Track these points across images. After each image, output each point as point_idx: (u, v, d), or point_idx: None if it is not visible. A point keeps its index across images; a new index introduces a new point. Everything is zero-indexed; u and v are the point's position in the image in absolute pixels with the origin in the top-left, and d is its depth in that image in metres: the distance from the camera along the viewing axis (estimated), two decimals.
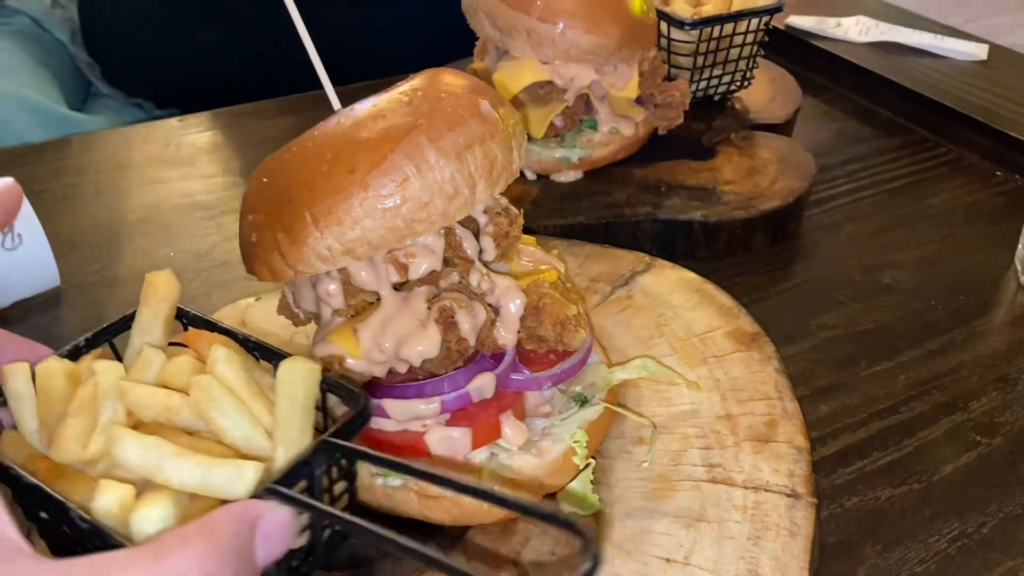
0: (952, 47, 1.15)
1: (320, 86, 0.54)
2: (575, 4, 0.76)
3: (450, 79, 0.50)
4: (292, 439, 0.42)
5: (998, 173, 0.96)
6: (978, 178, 0.95)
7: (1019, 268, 0.79)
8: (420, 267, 0.49)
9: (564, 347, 0.52)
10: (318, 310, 0.53)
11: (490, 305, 0.52)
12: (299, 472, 0.41)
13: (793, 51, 1.17)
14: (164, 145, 1.03)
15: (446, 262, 0.51)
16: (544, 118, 0.82)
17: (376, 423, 0.51)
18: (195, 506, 0.39)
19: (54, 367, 0.45)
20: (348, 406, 0.45)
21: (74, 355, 0.49)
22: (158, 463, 0.40)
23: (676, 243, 0.82)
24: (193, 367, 0.45)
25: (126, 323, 0.50)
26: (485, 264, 0.53)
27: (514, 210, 0.54)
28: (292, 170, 0.48)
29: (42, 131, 1.10)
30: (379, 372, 0.50)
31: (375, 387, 0.52)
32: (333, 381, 0.45)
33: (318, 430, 0.44)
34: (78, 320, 0.76)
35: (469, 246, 0.51)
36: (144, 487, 0.40)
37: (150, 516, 0.38)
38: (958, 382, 0.68)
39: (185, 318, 0.52)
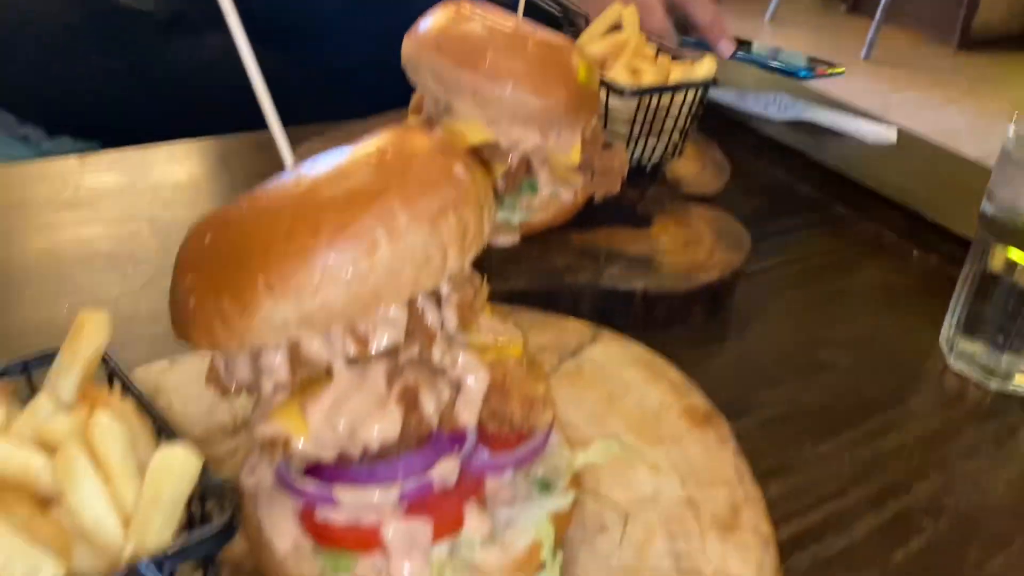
0: (864, 128, 1.19)
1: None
2: (524, 65, 0.74)
3: (420, 138, 0.47)
4: (147, 536, 0.37)
5: (915, 252, 0.99)
6: (898, 256, 0.98)
7: (944, 350, 0.81)
8: (381, 340, 0.45)
9: (530, 428, 0.49)
10: (255, 382, 0.48)
11: (450, 381, 0.48)
12: None
13: (714, 122, 1.19)
14: (62, 186, 0.94)
15: (406, 334, 0.47)
16: None
17: (322, 513, 0.46)
18: None
19: None
20: (215, 516, 0.39)
21: None
22: None
23: (615, 312, 0.80)
24: (77, 428, 0.39)
25: (47, 360, 0.44)
26: (446, 337, 0.49)
27: (478, 278, 0.50)
28: (243, 229, 0.43)
29: None
30: (328, 455, 0.45)
31: (321, 471, 0.46)
32: (211, 482, 0.39)
33: (191, 527, 0.40)
34: None
35: (432, 317, 0.47)
36: None
37: None
38: (900, 463, 0.68)
39: (108, 368, 0.46)
